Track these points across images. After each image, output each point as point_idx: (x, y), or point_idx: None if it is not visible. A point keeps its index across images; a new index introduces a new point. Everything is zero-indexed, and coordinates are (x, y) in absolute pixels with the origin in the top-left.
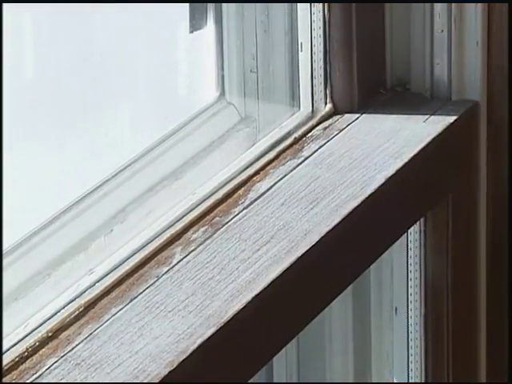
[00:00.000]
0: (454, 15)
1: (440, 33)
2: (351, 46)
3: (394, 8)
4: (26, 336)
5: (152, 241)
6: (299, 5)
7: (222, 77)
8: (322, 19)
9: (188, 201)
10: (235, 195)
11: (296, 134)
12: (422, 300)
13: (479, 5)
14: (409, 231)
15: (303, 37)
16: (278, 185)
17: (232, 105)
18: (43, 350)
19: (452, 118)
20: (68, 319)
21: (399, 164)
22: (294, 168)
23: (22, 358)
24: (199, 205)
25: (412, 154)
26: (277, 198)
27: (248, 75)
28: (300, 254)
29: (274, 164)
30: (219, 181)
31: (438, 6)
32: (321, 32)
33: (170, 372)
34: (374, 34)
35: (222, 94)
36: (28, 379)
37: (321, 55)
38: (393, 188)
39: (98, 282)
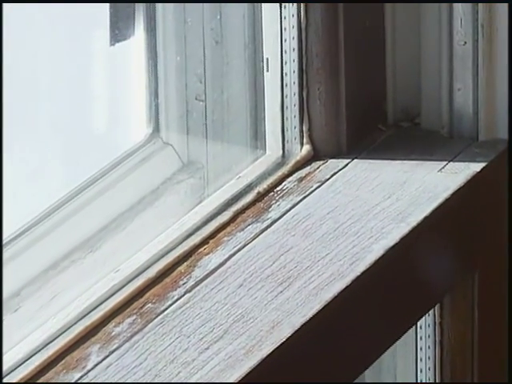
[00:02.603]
0: (482, 21)
1: (462, 45)
2: (338, 63)
3: (397, 10)
4: None
5: (58, 337)
6: (265, 6)
7: (156, 106)
8: (296, 26)
9: (108, 281)
10: (174, 273)
11: (260, 188)
12: None
13: None
14: (418, 324)
15: (270, 51)
16: (234, 258)
17: (170, 146)
18: None
19: (479, 166)
20: None
21: (404, 230)
22: (258, 235)
23: None
24: (124, 286)
25: (422, 216)
26: (233, 277)
27: (192, 104)
28: (265, 355)
29: (228, 229)
30: (152, 253)
31: (459, 8)
32: (295, 44)
33: None
34: (369, 46)
35: (156, 130)
36: None
37: (295, 76)
38: (395, 263)
39: None
